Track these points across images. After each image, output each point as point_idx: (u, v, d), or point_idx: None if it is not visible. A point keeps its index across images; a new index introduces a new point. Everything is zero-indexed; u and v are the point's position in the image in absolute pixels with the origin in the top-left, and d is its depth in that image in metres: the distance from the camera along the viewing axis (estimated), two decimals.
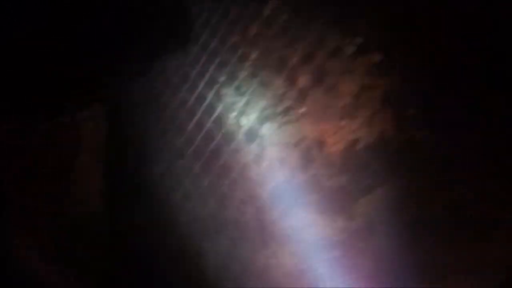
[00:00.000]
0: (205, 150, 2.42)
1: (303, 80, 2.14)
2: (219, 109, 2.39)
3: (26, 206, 2.26)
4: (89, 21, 2.20)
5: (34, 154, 2.34)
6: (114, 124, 2.65)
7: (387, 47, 1.94)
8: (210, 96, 2.42)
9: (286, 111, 2.19)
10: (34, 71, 2.18)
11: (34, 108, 2.26)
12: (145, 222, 2.53)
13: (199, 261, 2.37)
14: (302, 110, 2.14)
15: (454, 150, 1.72)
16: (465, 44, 1.80)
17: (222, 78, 2.37)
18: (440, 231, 1.70)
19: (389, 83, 1.90)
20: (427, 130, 1.78)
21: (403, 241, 1.80)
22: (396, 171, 1.84)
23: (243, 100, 2.32)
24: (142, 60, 2.46)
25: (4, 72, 2.12)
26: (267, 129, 2.24)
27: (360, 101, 1.98)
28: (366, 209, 1.90)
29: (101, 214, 2.52)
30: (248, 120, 2.30)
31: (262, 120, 2.26)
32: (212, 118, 2.41)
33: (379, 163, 1.89)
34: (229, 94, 2.36)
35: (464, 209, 1.67)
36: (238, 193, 2.34)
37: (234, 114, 2.34)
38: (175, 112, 2.56)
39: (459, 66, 1.74)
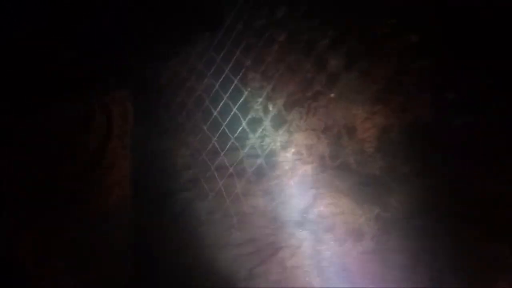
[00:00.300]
0: (231, 135, 2.39)
1: (333, 64, 2.06)
2: (245, 94, 2.33)
3: (65, 192, 2.30)
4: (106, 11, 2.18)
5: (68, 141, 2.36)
6: (140, 110, 2.65)
7: (424, 27, 1.82)
8: (236, 81, 2.36)
9: (315, 96, 2.12)
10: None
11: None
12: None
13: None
14: (332, 95, 2.06)
15: (500, 136, 1.61)
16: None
17: (248, 63, 2.31)
18: (484, 226, 1.61)
19: (427, 66, 1.79)
20: (468, 115, 1.67)
21: (442, 235, 1.72)
22: (434, 159, 1.75)
23: (270, 85, 2.25)
24: (167, 45, 2.43)
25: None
26: (295, 115, 2.18)
27: (394, 85, 1.88)
28: (401, 199, 1.83)
29: (128, 202, 2.54)
30: (275, 106, 2.25)
31: (290, 105, 2.20)
32: (238, 103, 2.36)
33: (415, 151, 1.81)
34: (255, 79, 2.30)
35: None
36: (264, 179, 2.30)
37: (260, 99, 2.29)
38: (200, 97, 2.52)
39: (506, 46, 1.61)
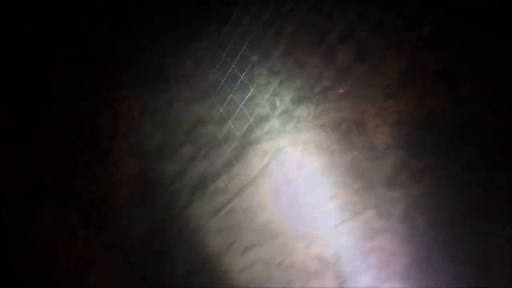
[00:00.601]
0: (237, 132, 2.34)
1: (342, 58, 1.99)
2: (252, 90, 2.28)
3: (65, 192, 2.29)
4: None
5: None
6: (145, 107, 2.60)
7: (438, 19, 1.75)
8: (242, 76, 2.30)
9: (324, 91, 2.06)
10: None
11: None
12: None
13: None
14: (342, 90, 2.00)
15: None
16: None
17: (254, 58, 2.25)
18: (500, 223, 1.56)
19: (441, 59, 1.73)
20: (486, 110, 1.61)
21: (456, 232, 1.68)
22: (449, 156, 1.70)
23: (277, 80, 2.19)
24: (171, 42, 2.36)
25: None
26: (303, 111, 2.13)
27: (407, 79, 1.82)
28: (413, 196, 1.78)
29: (135, 200, 2.51)
30: (282, 102, 2.19)
31: (298, 101, 2.14)
32: (245, 99, 2.31)
33: (428, 147, 1.76)
34: (262, 74, 2.24)
35: None
36: (272, 177, 2.26)
37: (267, 95, 2.23)
38: (206, 94, 2.47)
39: None
